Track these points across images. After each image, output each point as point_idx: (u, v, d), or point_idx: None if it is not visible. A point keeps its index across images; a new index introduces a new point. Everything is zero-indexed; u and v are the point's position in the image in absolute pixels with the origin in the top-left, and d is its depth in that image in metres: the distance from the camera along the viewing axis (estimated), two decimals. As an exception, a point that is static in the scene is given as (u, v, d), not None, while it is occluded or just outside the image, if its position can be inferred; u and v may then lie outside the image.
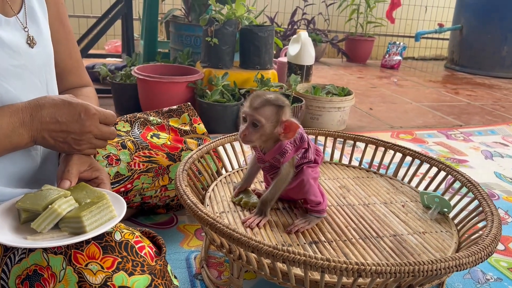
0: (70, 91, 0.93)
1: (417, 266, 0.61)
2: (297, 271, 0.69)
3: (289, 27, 3.49)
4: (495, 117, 2.31)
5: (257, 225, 0.82)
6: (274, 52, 2.54)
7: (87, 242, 0.59)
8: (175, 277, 0.66)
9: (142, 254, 0.61)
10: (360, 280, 0.67)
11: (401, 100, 2.58)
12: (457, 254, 0.65)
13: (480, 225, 0.84)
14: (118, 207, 0.65)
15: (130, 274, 0.58)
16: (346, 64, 3.83)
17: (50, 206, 0.60)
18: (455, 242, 0.83)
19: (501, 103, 2.67)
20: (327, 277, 0.68)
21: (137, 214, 1.06)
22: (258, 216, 0.83)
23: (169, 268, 0.65)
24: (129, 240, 0.62)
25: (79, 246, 0.59)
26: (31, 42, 0.73)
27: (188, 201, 0.74)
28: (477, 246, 0.68)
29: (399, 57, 3.73)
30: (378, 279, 0.61)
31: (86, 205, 0.62)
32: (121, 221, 0.97)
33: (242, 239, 0.64)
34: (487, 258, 0.67)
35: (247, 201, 0.88)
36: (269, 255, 0.62)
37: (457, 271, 0.64)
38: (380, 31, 4.12)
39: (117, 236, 0.61)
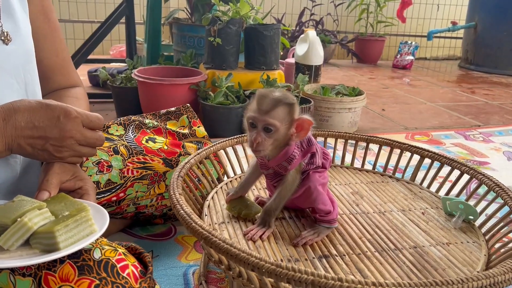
0: (57, 92, 0.86)
1: (445, 286, 0.52)
2: (305, 291, 0.61)
3: (297, 28, 3.41)
4: (515, 116, 2.20)
5: (260, 237, 0.73)
6: (281, 53, 2.47)
7: (61, 261, 0.52)
8: (165, 299, 0.58)
9: (124, 275, 0.53)
10: (378, 301, 0.59)
11: (415, 100, 2.48)
12: (491, 271, 0.56)
13: (512, 235, 0.74)
14: (99, 221, 0.57)
15: (109, 299, 0.50)
16: (356, 65, 3.73)
17: (19, 219, 0.53)
18: (485, 255, 0.73)
19: (520, 102, 2.55)
20: (339, 298, 0.60)
21: (132, 224, 0.99)
22: (261, 228, 0.74)
23: (157, 289, 0.57)
24: (110, 258, 0.54)
25: (51, 266, 0.51)
26: (5, 38, 0.66)
27: (181, 211, 0.66)
28: (514, 261, 0.59)
29: (411, 57, 3.62)
30: (399, 301, 0.52)
31: (62, 219, 0.54)
32: (114, 234, 0.89)
33: (241, 256, 0.56)
34: (526, 275, 0.58)
35: (249, 212, 0.79)
36: (272, 274, 0.54)
37: (491, 291, 0.55)
38: (391, 31, 4.02)
39: (97, 254, 0.54)
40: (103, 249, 0.55)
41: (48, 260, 0.49)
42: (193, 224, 0.63)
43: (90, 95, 2.05)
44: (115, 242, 0.60)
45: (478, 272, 0.68)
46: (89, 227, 0.55)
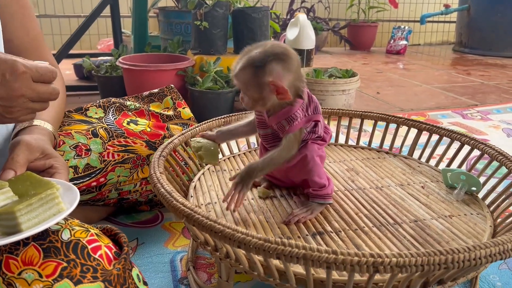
0: None
1: (450, 255, 0.47)
2: (298, 268, 0.56)
3: (288, 16, 3.35)
4: (512, 95, 2.15)
5: (239, 201, 0.65)
6: (272, 38, 2.40)
7: (25, 243, 0.46)
8: (145, 284, 0.53)
9: (96, 257, 0.48)
10: (377, 276, 0.54)
11: (410, 83, 2.43)
12: (499, 238, 0.51)
13: (519, 204, 0.70)
14: (69, 200, 0.52)
15: (77, 283, 0.44)
16: (349, 52, 3.68)
17: (-25, 200, 0.48)
18: (490, 226, 0.69)
19: (517, 81, 2.50)
20: (335, 275, 0.55)
21: (117, 212, 0.93)
22: (238, 188, 0.65)
23: (134, 272, 0.51)
24: (81, 239, 0.49)
25: (13, 249, 0.46)
26: None
27: (162, 189, 0.61)
28: (523, 227, 0.54)
29: (404, 42, 3.56)
30: (400, 274, 0.47)
31: (26, 198, 0.49)
32: (96, 222, 0.83)
33: (226, 232, 0.51)
34: (537, 242, 0.53)
35: (204, 154, 0.69)
36: (260, 250, 0.49)
37: (500, 259, 0.50)
38: (383, 17, 3.96)
39: (65, 235, 0.48)
40: (73, 229, 0.50)
41: (7, 242, 0.44)
42: (174, 202, 0.58)
43: (76, 88, 2.00)
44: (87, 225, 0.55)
45: (484, 243, 0.63)
46: (56, 206, 0.49)
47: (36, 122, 0.69)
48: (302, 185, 0.74)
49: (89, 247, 0.48)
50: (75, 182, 0.77)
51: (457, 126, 1.63)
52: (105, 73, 1.70)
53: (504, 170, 0.75)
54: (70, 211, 0.49)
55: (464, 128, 1.61)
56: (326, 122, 1.04)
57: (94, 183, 0.80)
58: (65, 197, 0.52)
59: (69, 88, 1.92)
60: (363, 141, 1.30)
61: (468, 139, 0.85)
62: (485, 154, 0.81)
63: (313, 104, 0.69)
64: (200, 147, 0.71)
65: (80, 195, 0.80)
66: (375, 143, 1.03)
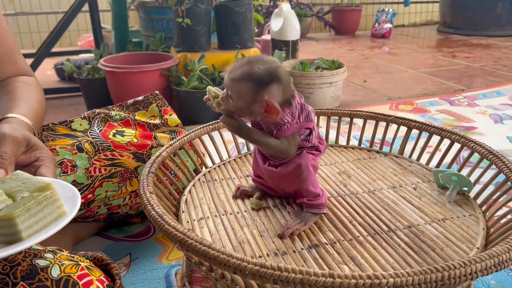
0: (5, 81, 0.79)
1: (446, 271, 0.47)
2: (295, 287, 0.55)
3: (271, 3, 3.30)
4: (498, 78, 2.16)
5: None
6: (256, 30, 2.37)
7: (14, 283, 0.45)
8: (140, 313, 0.52)
9: (88, 293, 0.47)
10: (375, 293, 0.54)
11: (396, 69, 2.43)
12: (494, 250, 0.51)
13: (511, 204, 0.70)
14: (68, 200, 0.49)
15: (70, 324, 0.43)
16: (334, 37, 3.65)
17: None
18: (483, 228, 0.69)
19: (502, 62, 2.52)
20: (333, 292, 0.54)
21: (107, 226, 0.92)
22: (230, 126, 0.65)
23: (129, 304, 0.50)
24: (71, 275, 0.47)
25: (0, 291, 0.44)
26: None
27: (153, 212, 0.60)
28: (518, 235, 0.54)
29: (389, 25, 3.55)
30: (397, 292, 0.47)
31: (22, 201, 0.46)
32: (87, 238, 0.79)
33: (220, 258, 0.50)
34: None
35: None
36: (256, 276, 0.48)
37: (496, 271, 0.50)
38: (367, 0, 3.93)
39: (55, 272, 0.47)
40: (62, 265, 0.48)
41: (9, 254, 0.41)
42: (166, 226, 0.56)
43: (58, 90, 1.95)
44: (79, 254, 0.53)
45: (478, 248, 0.64)
46: (58, 210, 0.46)
47: (12, 114, 0.66)
48: (295, 195, 0.74)
49: (80, 283, 0.47)
50: (63, 201, 0.75)
51: (445, 114, 1.63)
52: (87, 76, 1.65)
53: (494, 167, 0.75)
54: (73, 215, 0.46)
55: (452, 116, 1.61)
56: (315, 120, 1.03)
57: (82, 200, 0.79)
58: (62, 198, 0.49)
59: (51, 90, 1.87)
60: (354, 134, 1.29)
61: (458, 136, 0.85)
62: (475, 153, 0.81)
63: (305, 112, 0.68)
64: (219, 95, 0.67)
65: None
66: (366, 136, 1.02)
